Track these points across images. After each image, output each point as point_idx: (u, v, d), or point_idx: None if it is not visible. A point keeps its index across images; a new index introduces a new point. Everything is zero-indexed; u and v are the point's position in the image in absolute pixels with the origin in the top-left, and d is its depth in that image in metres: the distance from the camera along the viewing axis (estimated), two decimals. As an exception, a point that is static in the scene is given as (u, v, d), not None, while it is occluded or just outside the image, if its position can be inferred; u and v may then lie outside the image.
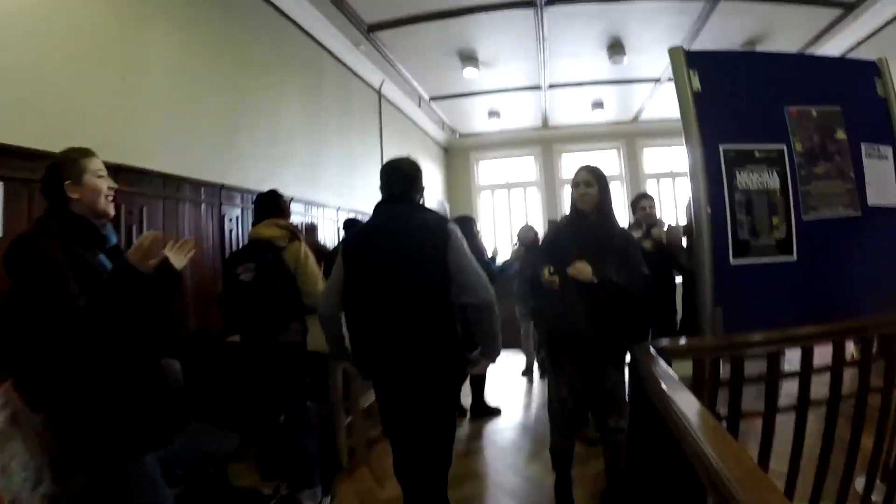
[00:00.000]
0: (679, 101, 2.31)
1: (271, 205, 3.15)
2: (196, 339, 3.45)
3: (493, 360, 2.29)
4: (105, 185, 1.80)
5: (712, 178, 2.23)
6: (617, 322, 2.49)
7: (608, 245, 2.55)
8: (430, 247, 2.09)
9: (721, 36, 5.89)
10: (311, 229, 5.37)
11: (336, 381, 3.37)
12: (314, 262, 3.04)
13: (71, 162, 1.74)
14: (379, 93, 7.54)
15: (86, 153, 1.79)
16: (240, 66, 4.40)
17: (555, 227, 2.94)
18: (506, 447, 3.97)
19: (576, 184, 2.67)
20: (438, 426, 2.19)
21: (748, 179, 2.30)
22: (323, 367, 3.29)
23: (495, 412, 4.73)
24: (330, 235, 5.75)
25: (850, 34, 5.85)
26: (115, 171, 2.98)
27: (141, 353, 1.81)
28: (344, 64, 6.43)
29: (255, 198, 3.31)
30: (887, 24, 5.50)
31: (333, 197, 5.91)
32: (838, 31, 5.96)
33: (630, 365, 1.93)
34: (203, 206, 3.81)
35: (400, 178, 2.29)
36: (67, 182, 1.70)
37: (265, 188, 3.36)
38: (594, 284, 2.40)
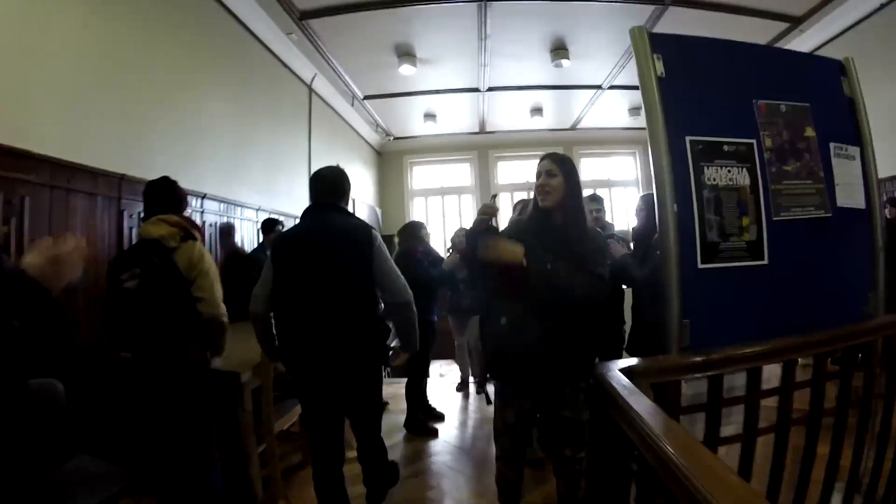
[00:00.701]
0: (641, 86, 2.04)
1: (162, 196, 2.62)
2: (86, 355, 2.95)
3: (412, 352, 2.59)
4: None
5: (678, 172, 1.97)
6: (577, 337, 2.18)
7: (580, 251, 2.17)
8: (356, 250, 2.35)
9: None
10: (228, 230, 4.89)
11: (245, 402, 2.88)
12: (212, 263, 2.54)
13: None
14: (310, 88, 7.09)
15: None
16: (153, 47, 3.92)
17: (516, 226, 2.47)
18: (444, 473, 3.56)
19: (537, 174, 2.26)
20: (368, 412, 2.55)
21: (717, 175, 2.04)
22: (229, 388, 2.84)
23: (432, 431, 4.38)
24: (249, 237, 5.26)
25: (798, 46, 5.93)
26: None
27: None
28: (274, 54, 5.97)
29: (144, 188, 2.74)
30: (833, 38, 5.70)
31: (255, 196, 5.43)
32: (786, 43, 6.04)
33: (591, 387, 1.65)
34: (99, 199, 3.30)
35: (328, 186, 2.55)
36: None
37: (179, 179, 2.90)
38: (550, 292, 2.10)
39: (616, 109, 8.88)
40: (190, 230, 2.52)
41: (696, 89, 2.12)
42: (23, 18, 2.84)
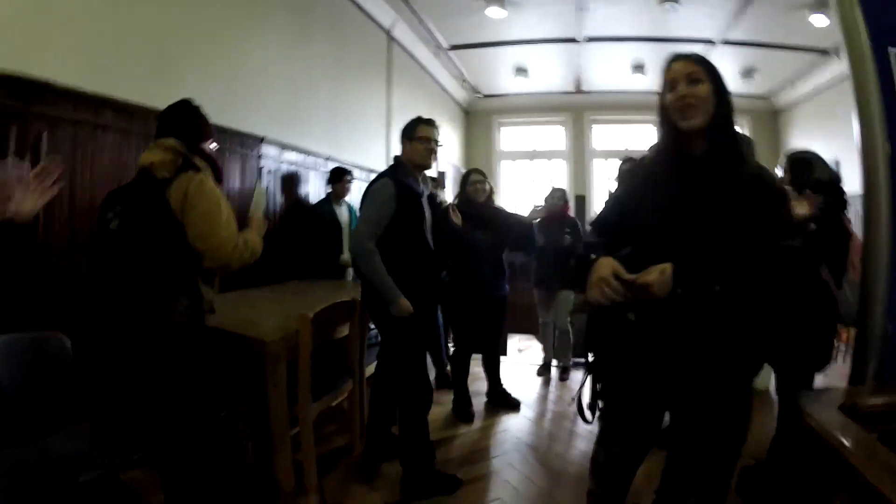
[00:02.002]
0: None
1: (172, 119, 2.12)
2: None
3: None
4: None
5: (887, 99, 1.26)
6: (734, 344, 1.42)
7: (731, 202, 1.40)
8: None
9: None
10: (291, 178, 4.54)
11: (275, 376, 2.44)
12: (217, 202, 1.95)
13: None
14: (389, 35, 6.59)
15: None
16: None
17: (633, 174, 1.77)
18: (511, 480, 2.87)
19: (670, 84, 1.50)
20: None
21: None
22: (253, 358, 2.42)
23: (514, 404, 4.05)
24: (315, 188, 4.88)
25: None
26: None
27: None
28: (347, -6, 5.49)
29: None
30: None
31: (323, 146, 5.04)
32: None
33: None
34: (134, 137, 2.96)
35: None
36: None
37: (225, 121, 2.46)
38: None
39: (726, 70, 7.59)
40: (190, 158, 2.00)
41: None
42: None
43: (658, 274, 1.33)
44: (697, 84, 1.45)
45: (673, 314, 1.39)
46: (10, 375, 1.96)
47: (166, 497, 1.99)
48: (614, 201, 1.74)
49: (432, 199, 3.06)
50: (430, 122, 2.87)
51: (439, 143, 2.89)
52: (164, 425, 1.95)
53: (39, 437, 1.92)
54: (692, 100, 1.44)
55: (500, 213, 4.14)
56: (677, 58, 1.52)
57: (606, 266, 1.39)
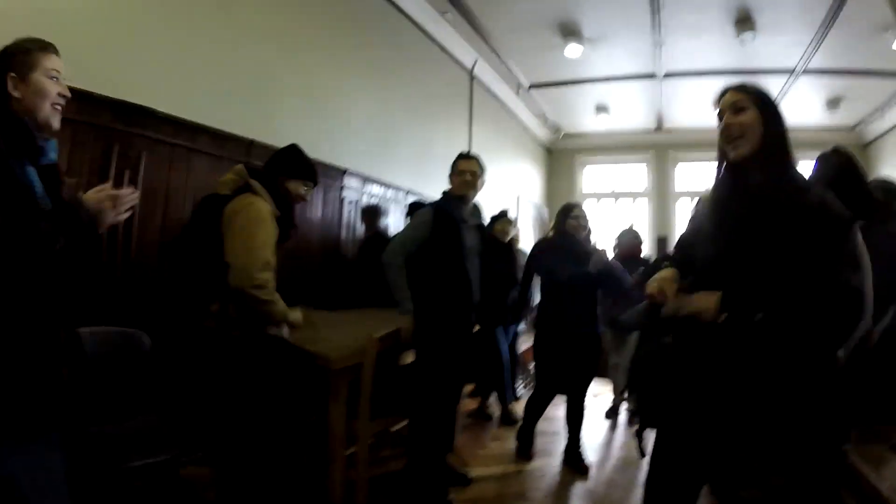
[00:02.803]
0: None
1: (280, 160, 2.37)
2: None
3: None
4: (55, 89, 1.44)
5: None
6: (781, 383, 1.33)
7: (781, 231, 1.35)
8: None
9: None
10: (373, 210, 4.68)
11: (339, 392, 2.51)
12: (258, 224, 2.07)
13: (22, 53, 1.41)
14: (471, 74, 6.80)
15: (44, 47, 1.45)
16: (294, 19, 3.88)
17: (698, 207, 1.80)
18: None
19: (720, 114, 1.52)
20: None
21: None
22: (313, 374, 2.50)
23: (583, 470, 3.48)
24: (395, 220, 5.04)
25: None
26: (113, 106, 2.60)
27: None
28: (429, 36, 5.76)
29: None
30: None
31: (405, 179, 5.25)
32: None
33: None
34: (225, 162, 3.21)
35: None
36: (12, 75, 1.38)
37: (310, 152, 2.70)
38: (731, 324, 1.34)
39: (810, 102, 7.32)
40: (249, 182, 2.16)
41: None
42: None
43: (705, 298, 1.37)
44: (742, 112, 1.46)
45: (711, 340, 1.39)
46: (97, 363, 2.18)
47: (218, 496, 2.10)
48: (683, 237, 1.78)
49: (480, 229, 3.17)
50: (467, 156, 3.08)
51: (477, 175, 3.02)
52: (217, 425, 2.08)
53: (112, 420, 2.12)
54: (736, 129, 1.46)
55: (598, 253, 3.65)
56: (726, 90, 1.54)
57: (669, 271, 1.52)
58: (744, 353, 1.35)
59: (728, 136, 1.47)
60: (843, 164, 2.10)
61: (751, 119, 1.44)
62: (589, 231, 3.76)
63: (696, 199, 3.69)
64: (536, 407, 3.70)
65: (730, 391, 1.37)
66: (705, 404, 1.42)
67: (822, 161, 2.19)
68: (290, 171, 2.34)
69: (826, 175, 2.01)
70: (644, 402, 1.60)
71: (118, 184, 2.60)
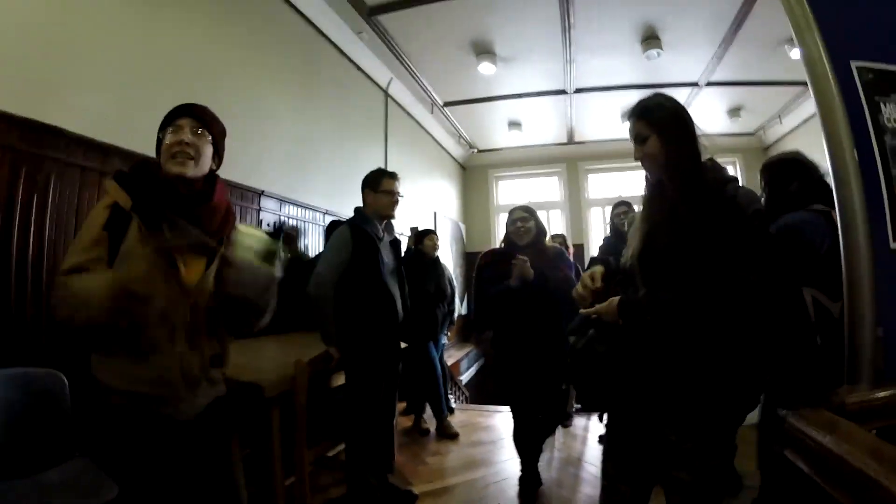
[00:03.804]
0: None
1: None
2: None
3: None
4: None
5: (850, 110, 1.32)
6: (699, 370, 1.43)
7: (683, 233, 1.44)
8: None
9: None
10: (292, 232, 4.56)
11: (273, 421, 2.40)
12: (82, 230, 1.59)
13: None
14: (386, 93, 6.81)
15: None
16: (210, 37, 3.75)
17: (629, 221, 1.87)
18: None
19: (633, 140, 1.61)
20: None
21: (897, 114, 1.39)
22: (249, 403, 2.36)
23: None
24: (314, 242, 4.94)
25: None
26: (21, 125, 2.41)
27: None
28: (345, 55, 5.71)
29: None
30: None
31: (323, 200, 5.13)
32: None
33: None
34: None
35: None
36: None
37: (225, 174, 2.57)
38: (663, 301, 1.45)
39: (713, 111, 7.89)
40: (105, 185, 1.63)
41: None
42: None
43: (606, 304, 1.52)
44: (644, 142, 1.55)
45: (623, 343, 1.52)
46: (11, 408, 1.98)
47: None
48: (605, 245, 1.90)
49: (395, 245, 3.12)
50: (393, 175, 2.98)
51: (401, 195, 3.00)
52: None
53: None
54: (645, 161, 1.57)
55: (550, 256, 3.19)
56: (630, 116, 1.62)
57: (593, 269, 1.62)
58: (642, 346, 1.49)
59: (642, 165, 1.60)
60: (792, 157, 2.19)
61: (653, 147, 1.53)
62: (536, 234, 3.14)
63: (614, 207, 3.93)
64: (525, 441, 3.25)
65: (640, 374, 1.51)
66: (627, 388, 1.55)
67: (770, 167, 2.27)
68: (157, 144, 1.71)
69: (780, 175, 2.12)
70: (581, 390, 1.70)
71: (26, 209, 2.45)
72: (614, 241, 3.43)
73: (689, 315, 1.41)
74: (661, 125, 1.53)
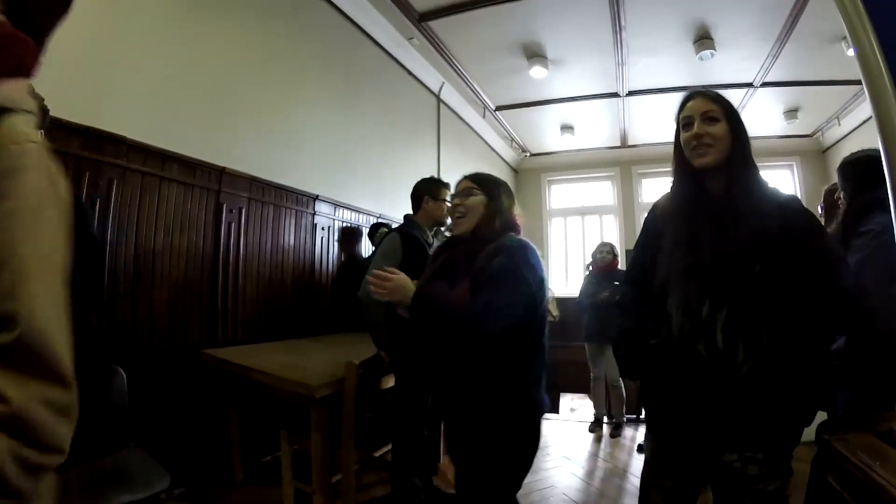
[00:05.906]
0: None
1: None
2: (157, 347, 2.80)
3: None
4: None
5: None
6: (785, 398, 1.31)
7: (755, 238, 1.35)
8: None
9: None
10: (349, 234, 4.64)
11: (320, 420, 2.46)
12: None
13: None
14: (438, 98, 6.88)
15: None
16: (264, 47, 3.89)
17: (651, 216, 1.76)
18: None
19: (684, 123, 1.50)
20: None
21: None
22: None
23: None
24: (368, 244, 5.02)
25: None
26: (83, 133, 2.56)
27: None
28: (397, 61, 5.83)
29: None
30: None
31: (376, 204, 5.24)
32: None
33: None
34: (196, 189, 3.19)
35: None
36: None
37: (281, 179, 2.67)
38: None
39: (769, 113, 7.57)
40: None
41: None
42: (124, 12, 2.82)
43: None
44: (714, 123, 1.44)
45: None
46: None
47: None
48: (638, 248, 1.75)
49: None
50: (448, 185, 3.06)
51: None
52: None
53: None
54: (708, 139, 1.43)
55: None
56: (693, 95, 1.51)
57: None
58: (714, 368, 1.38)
59: (697, 145, 1.45)
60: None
61: (722, 131, 1.44)
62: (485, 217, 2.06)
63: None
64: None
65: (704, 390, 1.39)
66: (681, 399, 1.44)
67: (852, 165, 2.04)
68: None
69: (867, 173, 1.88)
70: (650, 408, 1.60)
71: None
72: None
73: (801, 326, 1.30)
74: (731, 113, 1.47)
